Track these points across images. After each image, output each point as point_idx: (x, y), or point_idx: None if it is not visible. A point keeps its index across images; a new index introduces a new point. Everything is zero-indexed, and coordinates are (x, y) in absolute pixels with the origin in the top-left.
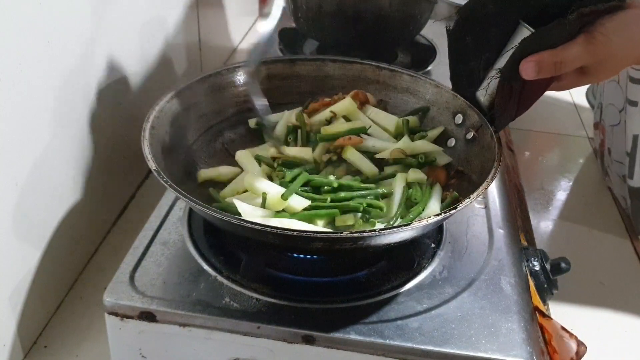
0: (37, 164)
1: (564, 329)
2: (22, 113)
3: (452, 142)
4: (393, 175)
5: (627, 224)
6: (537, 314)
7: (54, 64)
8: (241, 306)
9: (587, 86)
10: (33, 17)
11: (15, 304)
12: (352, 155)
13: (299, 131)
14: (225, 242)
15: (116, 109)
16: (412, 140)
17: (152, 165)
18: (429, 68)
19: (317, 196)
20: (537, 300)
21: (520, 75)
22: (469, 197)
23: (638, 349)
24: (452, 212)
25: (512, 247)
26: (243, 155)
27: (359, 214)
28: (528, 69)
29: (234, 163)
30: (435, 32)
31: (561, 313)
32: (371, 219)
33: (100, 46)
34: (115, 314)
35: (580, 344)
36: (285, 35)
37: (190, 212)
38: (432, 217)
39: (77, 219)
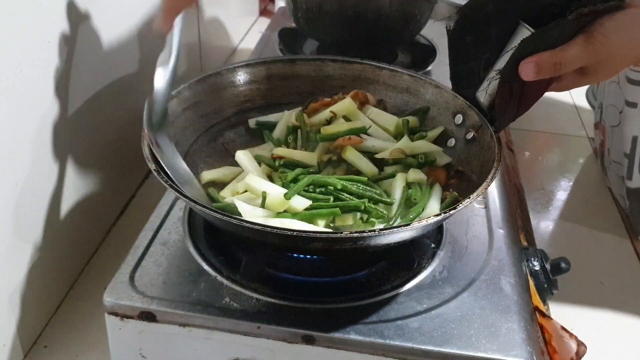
0: (37, 164)
1: (564, 329)
2: (22, 113)
3: (452, 142)
4: (393, 175)
5: (627, 224)
6: (537, 314)
7: (53, 64)
8: (241, 306)
9: (587, 86)
10: (33, 17)
11: (15, 304)
12: (352, 155)
13: (299, 131)
14: (225, 242)
15: (116, 109)
16: (412, 140)
17: (152, 165)
18: (429, 68)
19: (320, 196)
20: (537, 300)
21: (519, 76)
22: (469, 198)
23: (638, 349)
24: (452, 212)
25: (512, 247)
26: (243, 155)
27: (358, 214)
28: (527, 70)
29: (234, 163)
30: (435, 32)
31: (561, 313)
32: (371, 219)
33: (100, 46)
34: (115, 314)
35: (580, 344)
36: (285, 35)
37: (190, 212)
38: (432, 217)
39: (77, 219)
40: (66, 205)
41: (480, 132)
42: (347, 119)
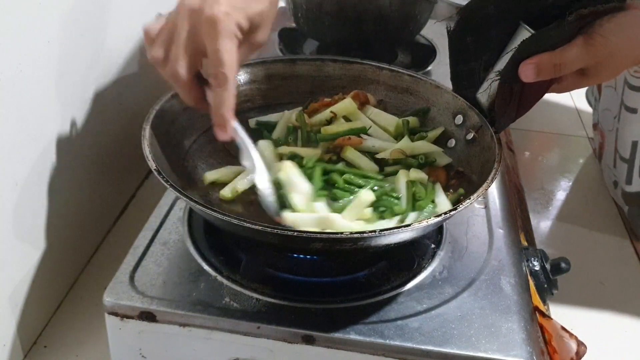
0: (37, 164)
1: (564, 329)
2: (21, 113)
3: (452, 142)
4: (394, 174)
5: (627, 224)
6: (537, 314)
7: (53, 64)
8: (241, 306)
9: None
10: (33, 17)
11: (15, 304)
12: (352, 154)
13: (299, 131)
14: (225, 242)
15: (116, 108)
16: (412, 140)
17: (152, 165)
18: (429, 68)
19: (340, 192)
20: (537, 300)
21: (520, 77)
22: (469, 198)
23: (638, 349)
24: (452, 212)
25: (512, 247)
26: (265, 146)
27: (371, 209)
28: (527, 71)
29: (235, 163)
30: (435, 32)
31: (561, 313)
32: (385, 214)
33: (100, 46)
34: (115, 314)
35: (580, 344)
36: (285, 35)
37: (190, 212)
38: (432, 218)
39: (77, 219)
40: (66, 205)
41: (481, 133)
42: (347, 119)
